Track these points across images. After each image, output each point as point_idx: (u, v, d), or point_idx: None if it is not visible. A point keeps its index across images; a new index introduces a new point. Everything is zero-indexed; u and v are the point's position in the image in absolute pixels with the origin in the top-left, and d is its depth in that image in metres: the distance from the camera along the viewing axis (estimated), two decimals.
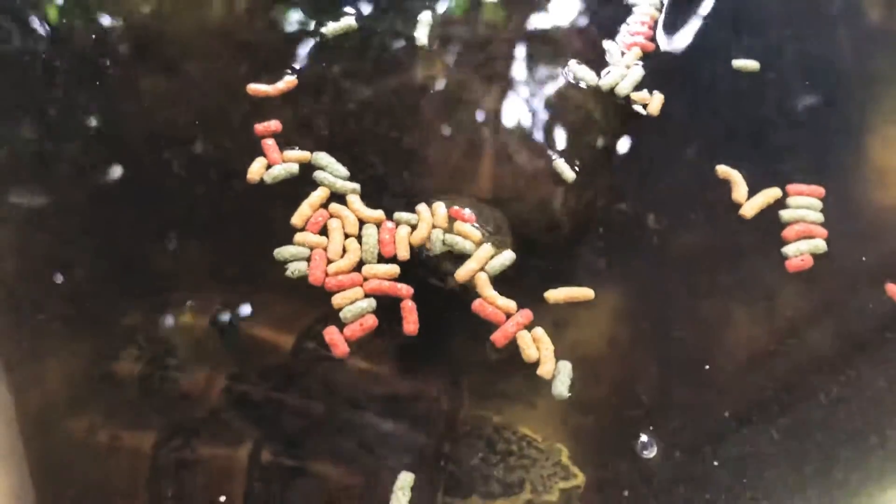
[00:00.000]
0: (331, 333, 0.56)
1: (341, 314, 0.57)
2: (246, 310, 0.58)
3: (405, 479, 0.52)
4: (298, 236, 0.60)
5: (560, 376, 0.55)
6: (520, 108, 0.68)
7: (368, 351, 0.57)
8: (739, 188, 0.64)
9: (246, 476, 0.52)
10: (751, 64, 0.72)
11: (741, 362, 0.58)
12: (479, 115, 0.68)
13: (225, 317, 0.58)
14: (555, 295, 0.58)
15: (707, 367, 0.58)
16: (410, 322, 0.57)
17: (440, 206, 0.61)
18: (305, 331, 0.57)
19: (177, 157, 0.67)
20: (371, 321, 0.57)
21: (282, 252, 0.60)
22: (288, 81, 0.68)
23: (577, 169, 0.65)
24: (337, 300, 0.57)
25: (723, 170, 0.65)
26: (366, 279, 0.59)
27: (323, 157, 0.64)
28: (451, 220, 0.61)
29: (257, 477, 0.52)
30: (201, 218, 0.64)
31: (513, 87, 0.70)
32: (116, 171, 0.66)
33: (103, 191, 0.65)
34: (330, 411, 0.54)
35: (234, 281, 0.60)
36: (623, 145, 0.68)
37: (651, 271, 0.62)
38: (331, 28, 0.72)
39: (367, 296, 0.58)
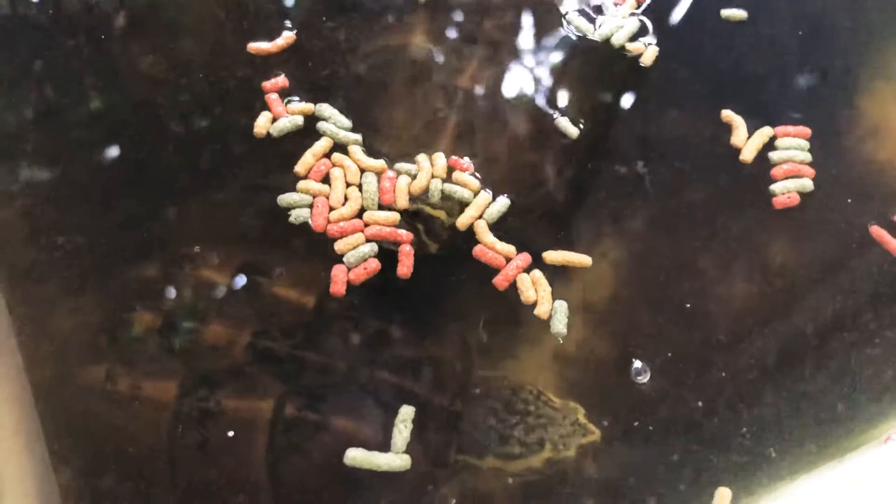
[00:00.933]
0: (337, 271, 0.58)
1: (345, 259, 0.59)
2: (241, 281, 0.59)
3: (406, 412, 0.54)
4: (301, 184, 0.62)
5: (557, 315, 0.58)
6: (517, 64, 0.70)
7: (386, 313, 0.59)
8: (739, 132, 0.66)
9: (269, 428, 0.54)
10: (738, 13, 0.73)
11: (734, 305, 0.61)
12: (475, 72, 0.69)
13: (246, 273, 0.59)
14: (552, 257, 0.61)
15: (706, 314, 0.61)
16: (405, 266, 0.59)
17: (440, 157, 0.63)
18: (326, 291, 0.58)
19: (182, 120, 0.67)
20: (374, 265, 0.59)
21: (285, 199, 0.61)
22: (287, 37, 0.69)
23: (580, 126, 0.67)
24: (339, 246, 0.60)
25: (726, 114, 0.67)
26: (367, 225, 0.61)
27: (326, 109, 0.65)
28: (451, 169, 0.63)
29: (281, 430, 0.54)
30: (211, 177, 0.64)
31: (510, 44, 0.71)
32: (122, 139, 0.66)
33: (110, 158, 0.65)
34: (351, 370, 0.56)
35: (255, 237, 0.61)
36: (617, 98, 0.70)
37: (646, 222, 0.64)
38: None
39: (368, 241, 0.60)
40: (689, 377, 0.59)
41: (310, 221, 0.61)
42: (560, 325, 0.58)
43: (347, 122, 0.65)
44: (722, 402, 0.58)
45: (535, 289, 0.59)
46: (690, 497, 0.55)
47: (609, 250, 0.62)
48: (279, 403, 0.54)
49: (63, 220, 0.63)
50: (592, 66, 0.71)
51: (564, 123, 0.66)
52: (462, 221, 0.61)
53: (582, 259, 0.61)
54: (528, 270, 0.60)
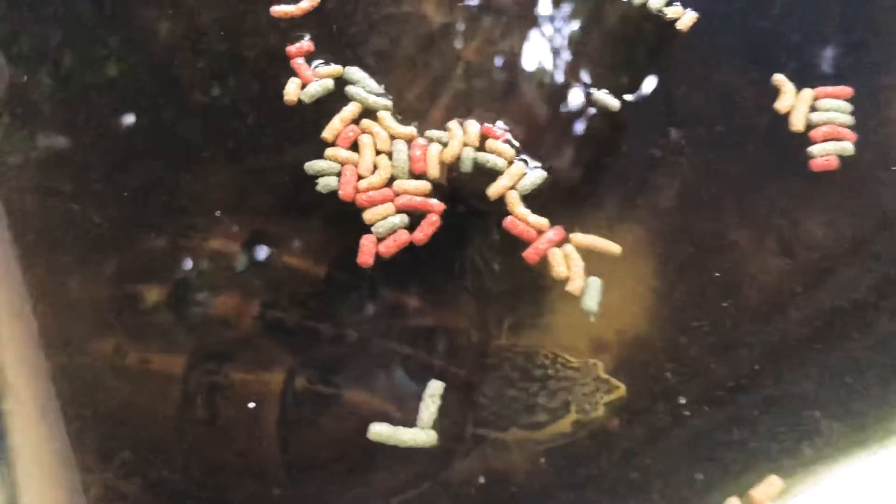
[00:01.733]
0: (366, 241, 0.56)
1: (373, 229, 0.56)
2: (261, 252, 0.57)
3: (435, 387, 0.52)
4: (329, 151, 0.59)
5: (590, 292, 0.55)
6: (543, 30, 0.67)
7: (400, 282, 0.56)
8: (785, 98, 0.63)
9: (280, 402, 0.52)
10: None
11: (767, 278, 0.58)
12: (499, 38, 0.66)
13: (256, 243, 0.57)
14: (579, 240, 0.57)
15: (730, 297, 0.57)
16: (423, 232, 0.57)
17: (472, 124, 0.60)
18: (337, 260, 0.56)
19: (201, 86, 0.65)
20: (404, 237, 0.56)
21: (312, 166, 0.59)
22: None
23: (614, 96, 0.63)
24: (368, 216, 0.57)
25: (778, 78, 0.64)
26: (397, 195, 0.58)
27: (355, 72, 0.63)
28: (484, 138, 0.60)
29: (291, 403, 0.52)
30: (230, 144, 0.62)
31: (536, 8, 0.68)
32: (140, 105, 0.64)
33: (127, 124, 0.64)
34: (363, 341, 0.54)
35: (266, 207, 0.59)
36: (651, 64, 0.67)
37: (680, 192, 0.61)
38: None
39: (398, 212, 0.58)
40: (717, 350, 0.55)
41: (337, 190, 0.58)
42: (592, 302, 0.55)
43: (377, 87, 0.62)
44: (750, 374, 0.55)
45: (566, 264, 0.56)
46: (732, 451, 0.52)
47: (640, 220, 0.59)
48: (289, 376, 0.52)
49: (78, 187, 0.61)
50: (625, 28, 0.68)
51: (603, 97, 0.63)
52: (493, 191, 0.58)
53: (610, 246, 0.57)
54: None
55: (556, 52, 0.66)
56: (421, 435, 0.51)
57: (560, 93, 0.65)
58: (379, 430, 0.51)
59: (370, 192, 0.58)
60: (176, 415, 0.53)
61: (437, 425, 0.52)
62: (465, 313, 0.56)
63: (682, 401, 0.53)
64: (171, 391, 0.53)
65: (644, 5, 0.67)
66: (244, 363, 0.53)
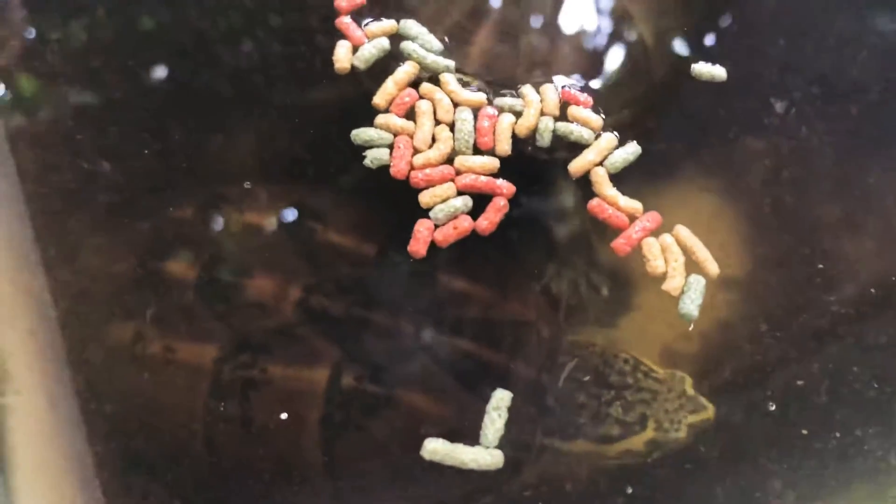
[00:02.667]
0: (420, 227, 0.48)
1: (431, 214, 0.49)
2: (290, 215, 0.50)
3: (501, 398, 0.45)
4: (380, 118, 0.51)
5: (690, 293, 0.48)
6: None
7: (461, 267, 0.49)
8: None
9: (323, 401, 0.45)
10: None
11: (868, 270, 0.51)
12: None
13: (297, 218, 0.50)
14: (682, 235, 0.50)
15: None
16: (488, 220, 0.49)
17: (550, 89, 0.52)
18: (389, 239, 0.49)
19: (237, 42, 0.58)
20: (466, 224, 0.49)
21: (360, 135, 0.51)
22: None
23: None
24: (425, 198, 0.49)
25: None
26: (458, 173, 0.50)
27: (412, 26, 0.54)
28: (565, 105, 0.52)
29: (336, 403, 0.45)
30: (268, 109, 0.55)
31: None
32: (172, 62, 0.56)
33: (158, 81, 0.56)
34: (419, 333, 0.47)
35: (309, 178, 0.52)
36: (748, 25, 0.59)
37: (786, 174, 0.54)
38: None
39: (460, 193, 0.50)
40: (811, 348, 0.48)
41: (388, 164, 0.50)
42: (692, 305, 0.47)
43: (438, 44, 0.54)
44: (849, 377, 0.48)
45: (664, 258, 0.48)
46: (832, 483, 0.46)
47: (731, 204, 0.52)
48: (335, 372, 0.46)
49: (102, 144, 0.54)
50: None
51: (705, 68, 0.54)
52: (577, 166, 0.50)
53: (709, 265, 0.49)
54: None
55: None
56: (484, 456, 0.44)
57: (654, 59, 0.57)
58: (434, 448, 0.44)
59: (427, 170, 0.50)
60: (204, 412, 0.46)
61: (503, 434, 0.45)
62: (534, 305, 0.49)
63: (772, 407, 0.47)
64: (199, 385, 0.46)
65: None
66: (284, 356, 0.46)
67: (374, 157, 0.50)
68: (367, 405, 0.46)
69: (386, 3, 0.56)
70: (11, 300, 0.50)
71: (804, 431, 0.47)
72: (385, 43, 0.54)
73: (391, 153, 0.51)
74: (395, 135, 0.51)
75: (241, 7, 0.59)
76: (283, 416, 0.46)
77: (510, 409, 0.45)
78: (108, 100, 0.56)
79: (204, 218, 0.51)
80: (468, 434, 0.45)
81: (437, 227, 0.49)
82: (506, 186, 0.50)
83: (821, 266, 0.51)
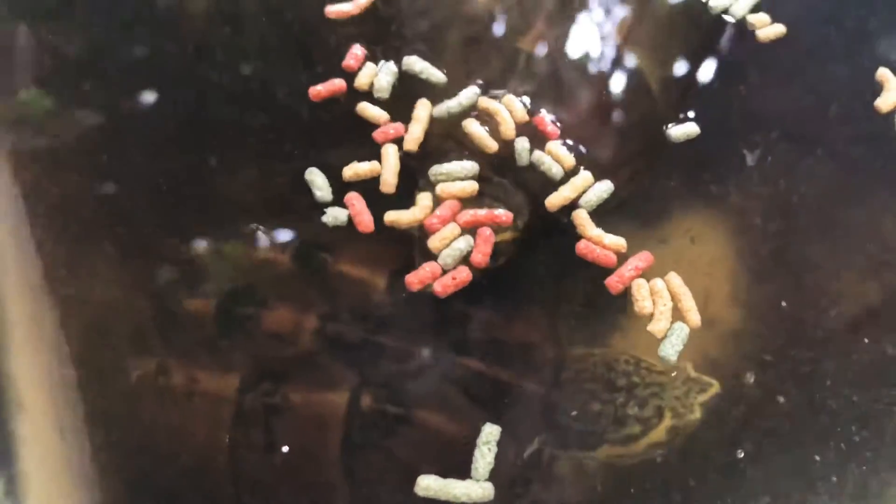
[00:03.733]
0: (427, 267, 0.51)
1: (440, 259, 0.51)
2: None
3: (490, 432, 0.47)
4: (347, 170, 0.54)
5: (672, 339, 0.50)
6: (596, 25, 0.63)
7: (466, 292, 0.52)
8: (889, 95, 0.58)
9: (344, 424, 0.47)
10: None
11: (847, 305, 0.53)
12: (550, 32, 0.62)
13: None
14: (673, 282, 0.52)
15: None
16: (481, 252, 0.51)
17: (514, 102, 0.55)
18: (398, 269, 0.52)
19: (242, 72, 0.61)
20: (465, 274, 0.51)
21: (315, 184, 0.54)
22: None
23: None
24: (435, 243, 0.51)
25: (882, 73, 0.59)
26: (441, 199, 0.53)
27: (416, 62, 0.58)
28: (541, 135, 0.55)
29: (357, 425, 0.47)
30: (277, 142, 0.58)
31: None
32: (177, 93, 0.60)
33: (164, 112, 0.59)
34: (433, 356, 0.49)
35: (311, 212, 0.54)
36: (721, 69, 0.62)
37: (755, 207, 0.56)
38: None
39: (462, 232, 0.52)
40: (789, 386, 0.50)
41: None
42: (671, 350, 0.49)
43: (442, 76, 0.57)
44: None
45: (652, 300, 0.51)
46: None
47: (708, 236, 0.55)
48: (354, 396, 0.48)
49: (110, 174, 0.56)
50: (690, 28, 0.63)
51: (679, 131, 0.57)
52: (553, 201, 0.53)
53: (691, 315, 0.51)
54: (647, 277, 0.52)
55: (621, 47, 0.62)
56: (475, 489, 0.45)
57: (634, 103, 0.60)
58: (428, 485, 0.45)
59: (438, 212, 0.52)
60: (228, 440, 0.48)
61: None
62: (537, 325, 0.52)
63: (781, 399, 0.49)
64: (222, 414, 0.48)
65: (725, 11, 0.62)
66: (304, 382, 0.48)
67: (333, 217, 0.53)
68: (386, 426, 0.48)
69: (387, 41, 0.59)
70: (26, 331, 0.52)
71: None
72: (394, 67, 0.57)
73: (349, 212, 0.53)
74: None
75: (246, 35, 0.62)
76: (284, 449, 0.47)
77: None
78: (110, 129, 0.58)
79: (217, 254, 0.53)
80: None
81: (444, 271, 0.51)
82: (504, 214, 0.52)
83: (808, 305, 0.53)
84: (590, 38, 0.62)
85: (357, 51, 0.58)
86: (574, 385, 0.49)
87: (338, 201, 0.54)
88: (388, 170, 0.54)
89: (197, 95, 0.60)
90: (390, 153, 0.54)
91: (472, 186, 0.53)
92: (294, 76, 0.60)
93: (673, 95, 0.60)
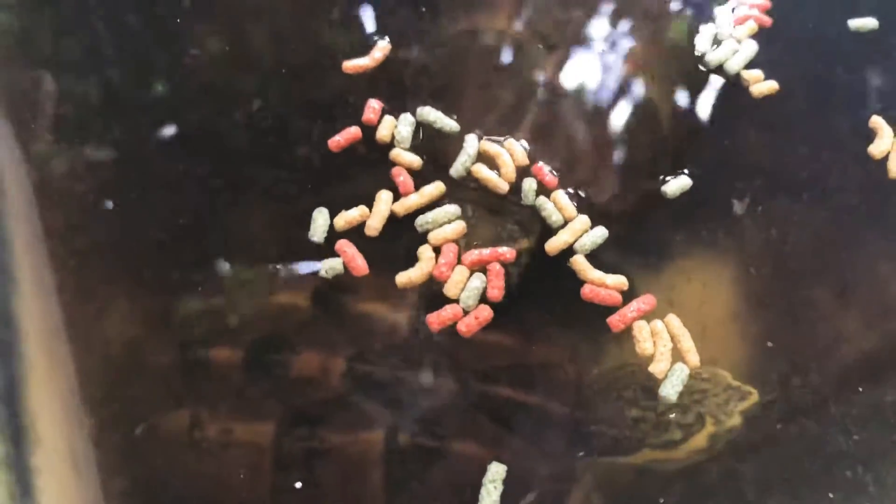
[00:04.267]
0: (449, 309, 0.52)
1: (461, 303, 0.53)
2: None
3: (497, 471, 0.48)
4: (339, 220, 0.56)
5: (672, 379, 0.51)
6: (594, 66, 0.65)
7: (490, 323, 0.54)
8: (882, 142, 0.60)
9: (383, 461, 0.49)
10: (869, 23, 0.66)
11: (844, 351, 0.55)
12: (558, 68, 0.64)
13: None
14: (672, 324, 0.53)
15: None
16: (495, 287, 0.53)
17: (515, 145, 0.58)
18: (417, 304, 0.53)
19: (263, 120, 0.62)
20: (487, 313, 0.52)
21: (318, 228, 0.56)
22: (383, 48, 0.63)
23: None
24: (451, 292, 0.53)
25: (875, 121, 0.61)
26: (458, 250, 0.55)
27: (430, 113, 0.59)
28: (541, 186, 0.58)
29: (397, 461, 0.49)
30: (291, 183, 0.59)
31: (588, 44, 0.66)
32: (194, 141, 0.61)
33: (180, 152, 0.60)
34: (461, 387, 0.51)
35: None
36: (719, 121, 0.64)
37: (761, 247, 0.58)
38: None
39: (471, 271, 0.54)
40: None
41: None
42: (672, 390, 0.51)
43: (455, 125, 0.59)
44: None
45: (653, 341, 0.53)
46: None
47: (706, 278, 0.57)
48: (390, 432, 0.49)
49: (128, 213, 0.58)
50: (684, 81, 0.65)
51: (675, 186, 0.59)
52: (552, 245, 0.55)
53: (690, 355, 0.53)
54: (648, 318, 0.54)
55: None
56: None
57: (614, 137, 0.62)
58: None
59: (443, 260, 0.54)
60: (270, 488, 0.49)
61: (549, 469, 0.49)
62: (556, 346, 0.54)
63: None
64: (261, 462, 0.49)
65: (720, 66, 0.64)
66: (339, 424, 0.50)
67: (329, 268, 0.54)
68: (424, 459, 0.49)
69: (401, 96, 0.61)
70: (46, 370, 0.52)
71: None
72: (412, 118, 0.59)
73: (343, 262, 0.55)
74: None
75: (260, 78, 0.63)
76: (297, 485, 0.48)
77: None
78: (122, 164, 0.59)
79: (238, 302, 0.54)
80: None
81: (465, 312, 0.52)
82: (508, 251, 0.54)
83: (807, 345, 0.55)
84: (594, 72, 0.64)
85: (374, 104, 0.60)
86: (606, 394, 0.51)
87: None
88: (376, 216, 0.55)
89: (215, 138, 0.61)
90: (382, 199, 0.56)
91: (460, 226, 0.55)
92: (307, 123, 0.61)
93: (682, 130, 0.62)
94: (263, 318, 0.53)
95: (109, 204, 0.58)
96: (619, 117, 0.62)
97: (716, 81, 0.64)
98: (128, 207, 0.58)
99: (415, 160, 0.58)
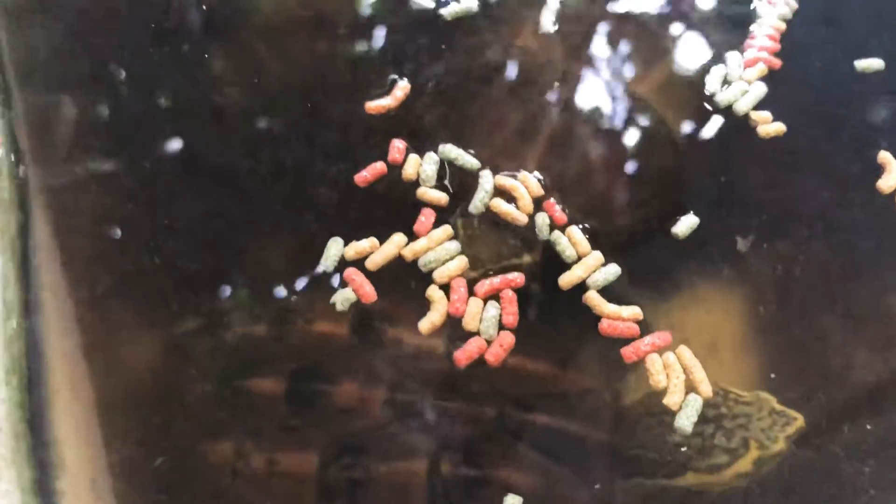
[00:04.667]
0: (474, 343, 0.53)
1: (482, 334, 0.54)
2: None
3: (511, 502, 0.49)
4: (349, 250, 0.57)
5: (686, 410, 0.52)
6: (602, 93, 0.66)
7: (524, 348, 0.54)
8: (891, 177, 0.61)
9: (426, 490, 0.50)
10: (875, 63, 0.67)
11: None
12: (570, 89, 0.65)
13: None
14: (684, 356, 0.54)
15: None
16: (510, 314, 0.54)
17: (529, 178, 0.59)
18: (452, 333, 0.54)
19: (285, 159, 0.62)
20: (510, 339, 0.53)
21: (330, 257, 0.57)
22: (403, 88, 0.64)
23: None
24: (471, 325, 0.54)
25: (884, 156, 0.62)
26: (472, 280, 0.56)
27: (451, 150, 0.60)
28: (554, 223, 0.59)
29: (440, 490, 0.49)
30: (312, 217, 0.59)
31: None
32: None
33: (208, 184, 0.62)
34: (500, 416, 0.52)
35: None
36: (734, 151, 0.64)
37: (770, 284, 0.58)
38: (451, 9, 0.68)
39: (486, 300, 0.55)
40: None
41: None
42: (687, 421, 0.51)
43: (476, 162, 0.60)
44: None
45: (666, 373, 0.53)
46: None
47: (717, 308, 0.57)
48: (433, 462, 0.50)
49: (147, 251, 0.58)
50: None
51: (684, 226, 0.59)
52: (566, 280, 0.56)
53: (703, 386, 0.53)
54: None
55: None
56: None
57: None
58: None
59: (456, 296, 0.54)
60: None
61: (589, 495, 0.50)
62: (590, 372, 0.54)
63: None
64: (306, 493, 0.50)
65: (729, 107, 0.65)
66: (382, 453, 0.50)
67: (343, 299, 0.55)
68: (466, 488, 0.50)
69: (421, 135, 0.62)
70: (70, 396, 0.54)
71: None
72: (436, 156, 0.60)
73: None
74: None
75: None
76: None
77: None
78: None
79: (278, 333, 0.55)
80: (559, 498, 0.50)
81: (488, 342, 0.53)
82: (518, 276, 0.55)
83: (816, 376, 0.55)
84: (605, 104, 0.65)
85: (399, 144, 0.61)
86: (646, 419, 0.52)
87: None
88: (382, 253, 0.56)
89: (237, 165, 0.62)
90: (394, 241, 0.57)
91: (463, 262, 0.56)
92: (329, 159, 0.62)
93: (690, 166, 0.63)
94: (304, 347, 0.54)
95: (131, 231, 0.59)
96: (628, 151, 0.62)
97: (723, 119, 0.65)
98: (151, 236, 0.59)
99: (442, 197, 0.59)
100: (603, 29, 0.69)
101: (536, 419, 0.52)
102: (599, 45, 0.68)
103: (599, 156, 0.62)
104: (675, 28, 0.70)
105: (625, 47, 0.68)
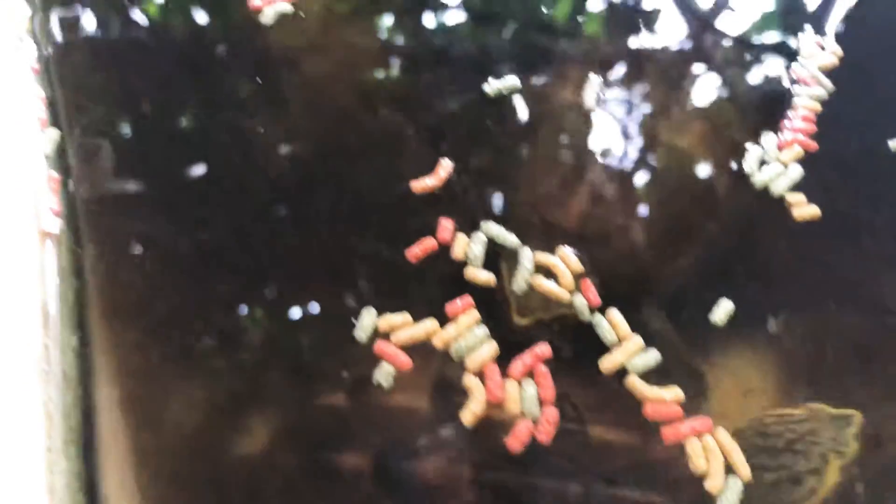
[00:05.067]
0: (522, 425, 0.53)
1: (528, 416, 0.53)
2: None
3: None
4: (383, 322, 0.57)
5: (728, 493, 0.52)
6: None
7: (605, 417, 0.55)
8: None
9: None
10: None
11: None
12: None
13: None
14: (723, 440, 0.54)
15: None
16: (547, 389, 0.54)
17: (569, 253, 0.60)
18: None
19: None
20: (554, 414, 0.54)
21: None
22: (446, 167, 0.64)
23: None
24: (514, 410, 0.54)
25: None
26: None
27: (492, 227, 0.61)
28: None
29: None
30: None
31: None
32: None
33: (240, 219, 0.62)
34: (587, 492, 0.52)
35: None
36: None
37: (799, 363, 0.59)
38: (493, 86, 0.69)
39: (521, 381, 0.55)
40: None
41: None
42: None
43: (515, 240, 0.61)
44: None
45: (706, 457, 0.53)
46: None
47: (753, 384, 0.57)
48: None
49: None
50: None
51: (721, 315, 0.59)
52: (606, 364, 0.56)
53: (742, 468, 0.53)
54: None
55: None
56: None
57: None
58: None
59: (493, 380, 0.55)
60: None
61: None
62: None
63: None
64: None
65: (765, 188, 0.66)
66: None
67: (384, 375, 0.55)
68: None
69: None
70: (122, 450, 0.53)
71: None
72: (483, 237, 0.61)
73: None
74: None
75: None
76: None
77: None
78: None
79: (357, 404, 0.54)
80: None
81: (534, 421, 0.53)
82: (543, 350, 0.56)
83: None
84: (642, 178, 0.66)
85: (447, 224, 0.61)
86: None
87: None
88: (408, 333, 0.56)
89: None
90: (426, 326, 0.57)
91: (493, 347, 0.56)
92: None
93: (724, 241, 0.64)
94: (385, 421, 0.53)
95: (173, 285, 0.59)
96: (661, 221, 0.64)
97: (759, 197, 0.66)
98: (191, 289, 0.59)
99: (490, 278, 0.59)
100: (637, 116, 0.71)
101: (625, 494, 0.52)
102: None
103: (631, 230, 0.64)
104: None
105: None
